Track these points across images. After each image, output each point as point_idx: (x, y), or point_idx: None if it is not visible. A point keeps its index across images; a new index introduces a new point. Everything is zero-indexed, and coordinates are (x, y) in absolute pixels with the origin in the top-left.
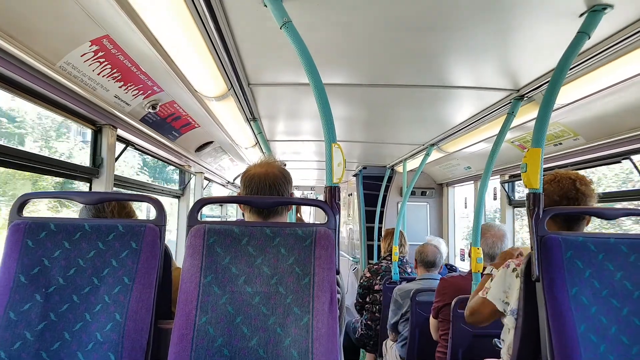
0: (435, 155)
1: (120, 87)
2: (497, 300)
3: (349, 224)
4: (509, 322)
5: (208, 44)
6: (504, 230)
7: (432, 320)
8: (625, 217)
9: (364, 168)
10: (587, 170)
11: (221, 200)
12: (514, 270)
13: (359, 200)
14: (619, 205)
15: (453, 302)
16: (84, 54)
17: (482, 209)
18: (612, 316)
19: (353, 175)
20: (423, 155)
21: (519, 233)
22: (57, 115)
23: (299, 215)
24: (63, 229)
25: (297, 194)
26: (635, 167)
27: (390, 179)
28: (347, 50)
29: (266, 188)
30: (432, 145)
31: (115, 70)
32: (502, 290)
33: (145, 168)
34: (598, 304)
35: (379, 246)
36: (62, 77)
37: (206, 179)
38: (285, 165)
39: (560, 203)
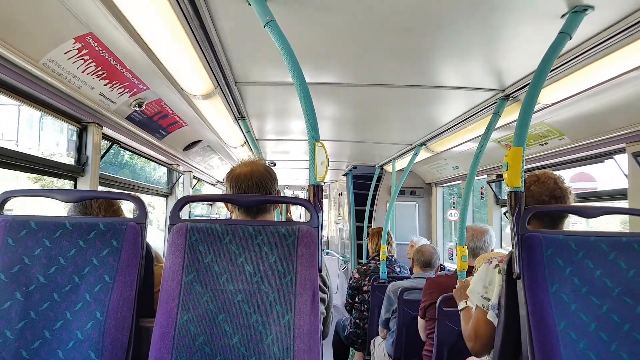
0: (423, 154)
1: (105, 85)
2: (474, 294)
3: (339, 223)
4: (491, 318)
5: (193, 42)
6: (486, 227)
7: (419, 321)
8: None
9: (354, 167)
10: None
11: (204, 199)
12: (496, 266)
13: (348, 200)
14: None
15: (438, 300)
16: (68, 51)
17: (468, 208)
18: (592, 313)
19: (343, 175)
20: (411, 155)
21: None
22: (42, 112)
23: (289, 215)
24: (44, 227)
25: (289, 193)
26: (619, 167)
27: (379, 178)
28: (334, 49)
29: (253, 187)
30: (421, 144)
31: (100, 68)
32: (482, 286)
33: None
34: (578, 301)
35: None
36: (46, 75)
37: (195, 178)
38: (275, 164)
39: (549, 203)
